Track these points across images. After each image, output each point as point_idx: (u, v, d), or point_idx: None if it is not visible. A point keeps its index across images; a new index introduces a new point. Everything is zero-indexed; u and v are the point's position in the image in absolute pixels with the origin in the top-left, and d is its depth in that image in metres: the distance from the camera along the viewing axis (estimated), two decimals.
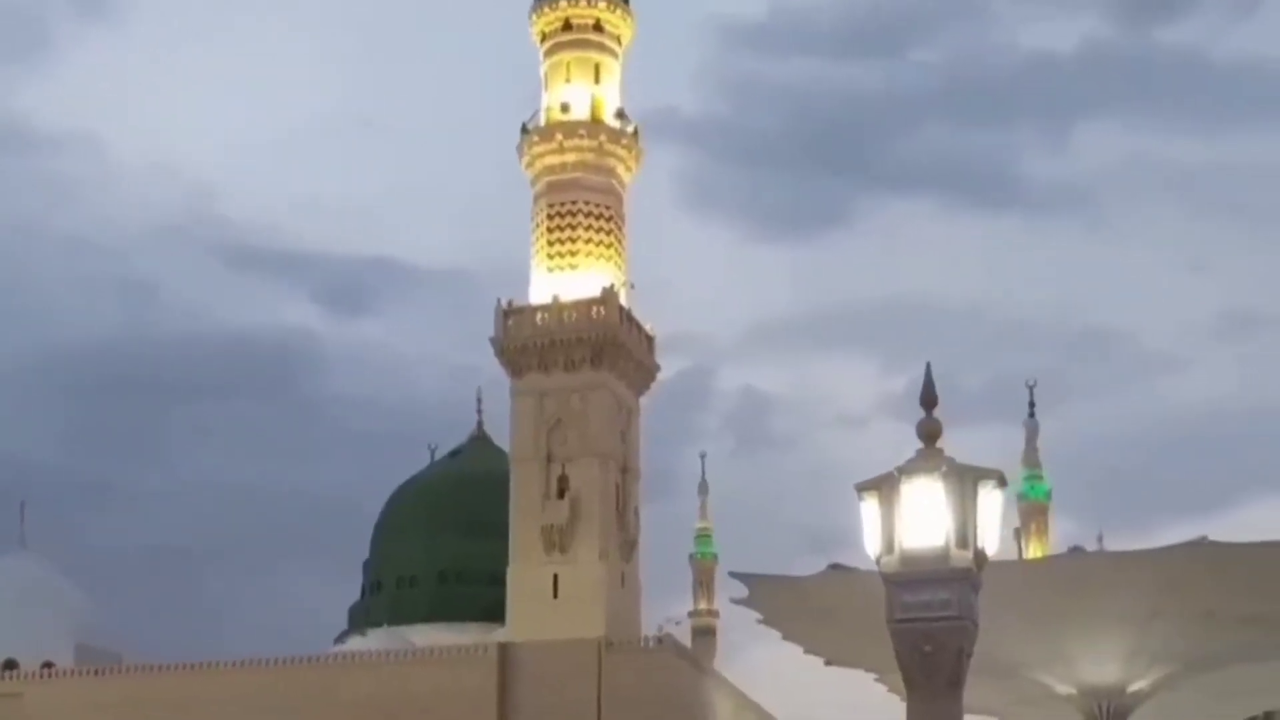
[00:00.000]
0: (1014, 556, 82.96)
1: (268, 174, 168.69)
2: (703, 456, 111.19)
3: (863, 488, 20.66)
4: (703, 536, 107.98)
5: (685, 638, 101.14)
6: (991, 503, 20.23)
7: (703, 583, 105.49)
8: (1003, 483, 20.40)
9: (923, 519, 20.08)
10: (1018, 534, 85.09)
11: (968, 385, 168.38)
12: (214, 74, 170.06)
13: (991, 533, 20.31)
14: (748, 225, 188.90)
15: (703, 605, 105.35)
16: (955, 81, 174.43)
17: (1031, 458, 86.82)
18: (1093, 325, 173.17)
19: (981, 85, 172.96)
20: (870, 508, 20.52)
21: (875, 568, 20.26)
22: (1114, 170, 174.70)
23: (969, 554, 19.97)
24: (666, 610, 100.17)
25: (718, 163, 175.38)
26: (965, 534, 19.97)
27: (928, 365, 21.15)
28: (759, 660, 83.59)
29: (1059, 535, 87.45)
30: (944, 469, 20.08)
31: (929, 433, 20.66)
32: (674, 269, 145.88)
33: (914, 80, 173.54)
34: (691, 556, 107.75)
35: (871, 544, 20.53)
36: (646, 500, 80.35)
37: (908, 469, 20.29)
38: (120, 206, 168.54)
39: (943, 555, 19.92)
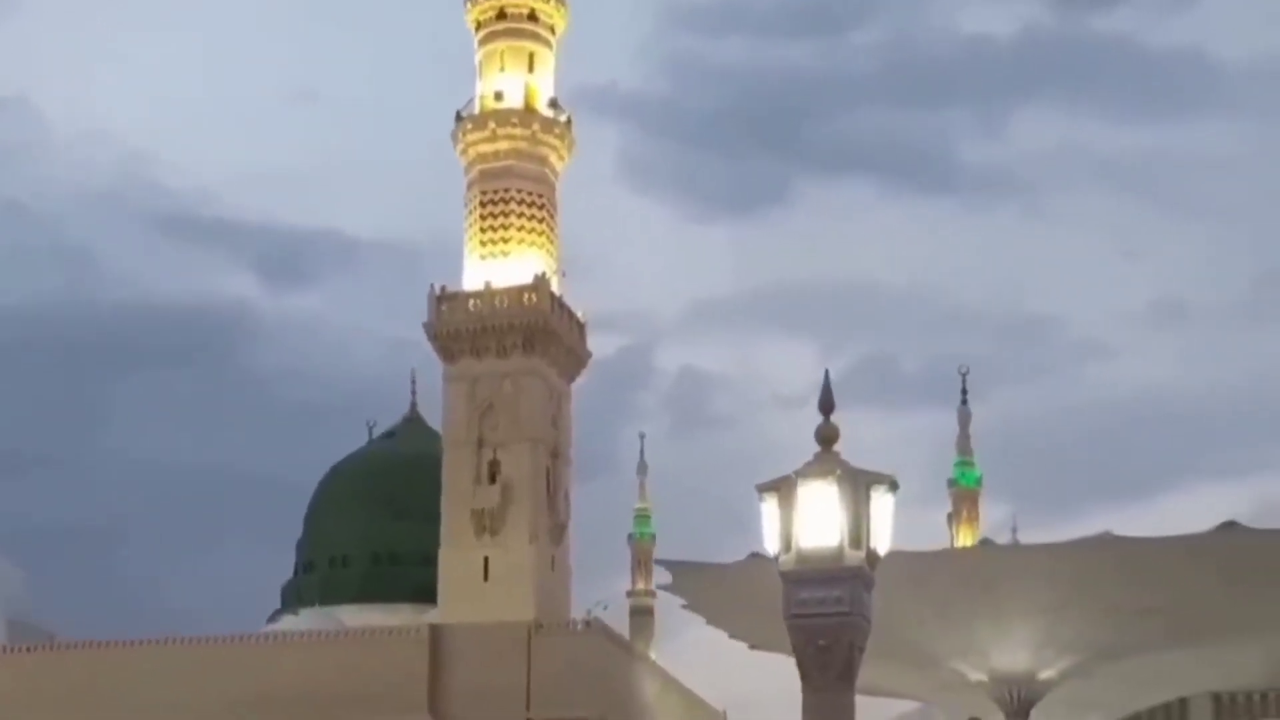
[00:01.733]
0: (945, 542, 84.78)
1: (206, 142, 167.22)
2: (642, 437, 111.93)
3: (763, 489, 21.68)
4: (641, 517, 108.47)
5: (623, 618, 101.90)
6: (884, 505, 21.24)
7: (641, 563, 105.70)
8: (894, 487, 21.38)
9: (818, 520, 21.07)
10: (950, 519, 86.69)
11: (907, 368, 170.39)
12: (151, 40, 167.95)
13: (883, 534, 21.30)
14: (687, 204, 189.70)
15: (640, 585, 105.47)
16: (894, 64, 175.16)
17: (964, 445, 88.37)
18: (1027, 310, 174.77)
19: (920, 68, 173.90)
20: (770, 508, 21.53)
21: None
22: (1050, 156, 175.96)
23: (861, 554, 20.96)
24: (605, 589, 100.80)
25: (657, 140, 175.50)
26: (858, 535, 20.98)
27: (826, 372, 22.14)
28: (697, 640, 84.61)
29: (991, 520, 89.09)
30: (838, 473, 21.10)
31: (826, 437, 21.67)
32: (613, 246, 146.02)
33: (853, 62, 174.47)
34: (630, 537, 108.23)
35: (771, 543, 21.56)
36: (585, 479, 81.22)
37: (804, 472, 21.31)
38: (55, 172, 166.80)
39: (836, 554, 20.92)
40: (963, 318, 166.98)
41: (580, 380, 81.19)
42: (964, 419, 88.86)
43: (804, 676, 21.46)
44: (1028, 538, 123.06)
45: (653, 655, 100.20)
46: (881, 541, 21.32)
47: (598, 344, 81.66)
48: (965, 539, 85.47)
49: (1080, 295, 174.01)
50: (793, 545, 21.24)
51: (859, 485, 21.12)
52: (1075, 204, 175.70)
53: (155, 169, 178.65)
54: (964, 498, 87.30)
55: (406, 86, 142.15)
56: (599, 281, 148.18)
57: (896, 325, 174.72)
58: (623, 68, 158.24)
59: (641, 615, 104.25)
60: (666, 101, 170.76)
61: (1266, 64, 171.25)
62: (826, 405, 21.90)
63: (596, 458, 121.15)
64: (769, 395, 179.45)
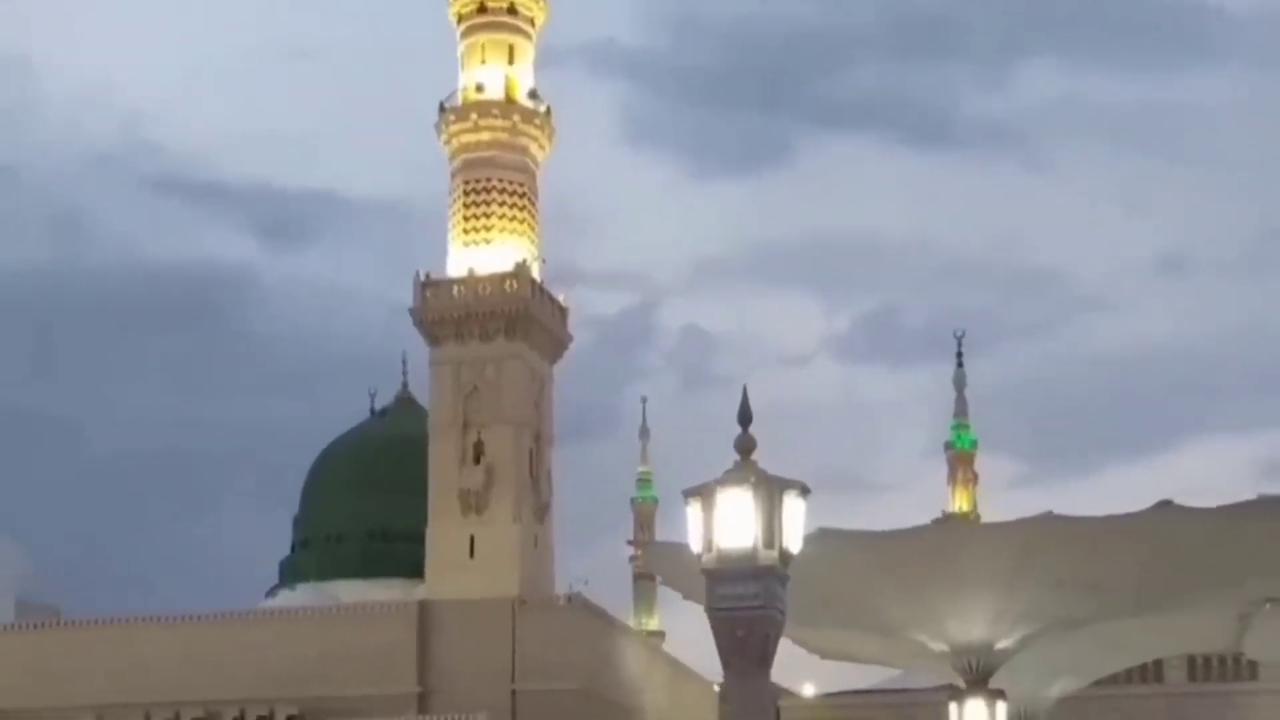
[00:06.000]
0: (943, 505, 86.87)
1: (202, 103, 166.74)
2: (644, 401, 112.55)
3: (688, 494, 23.94)
4: (643, 480, 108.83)
5: (626, 583, 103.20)
6: (795, 509, 23.47)
7: (643, 526, 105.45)
8: (805, 492, 23.60)
9: (735, 523, 23.39)
10: (948, 481, 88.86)
11: (909, 323, 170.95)
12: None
13: (794, 535, 23.55)
14: (688, 161, 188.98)
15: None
16: (895, 17, 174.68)
17: (960, 407, 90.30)
18: (1029, 264, 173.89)
19: (921, 21, 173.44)
20: (694, 512, 23.80)
21: None
22: (1052, 109, 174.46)
23: (774, 553, 23.23)
24: (606, 551, 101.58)
25: (657, 97, 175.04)
26: (771, 536, 23.26)
27: (744, 388, 24.32)
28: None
29: (990, 475, 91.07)
30: (754, 480, 23.35)
31: (744, 448, 23.92)
32: (614, 205, 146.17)
33: (854, 16, 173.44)
34: (632, 500, 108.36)
35: (695, 543, 23.82)
36: (586, 439, 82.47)
37: (724, 480, 23.56)
38: (51, 134, 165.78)
39: (751, 554, 23.20)
40: (964, 272, 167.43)
41: (581, 340, 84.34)
42: (959, 382, 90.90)
43: (725, 663, 23.73)
44: (1025, 494, 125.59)
45: (656, 620, 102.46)
46: (793, 541, 23.57)
47: (600, 303, 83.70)
48: (961, 501, 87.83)
49: (1082, 249, 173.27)
50: (713, 545, 23.54)
51: (773, 491, 23.40)
52: (1077, 157, 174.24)
53: (150, 130, 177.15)
54: (960, 460, 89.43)
55: (400, 45, 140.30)
56: (600, 240, 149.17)
57: (898, 280, 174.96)
58: (622, 24, 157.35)
59: (645, 580, 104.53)
60: (666, 58, 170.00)
61: (1270, 13, 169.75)
62: (744, 418, 24.14)
63: (598, 418, 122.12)
64: (772, 353, 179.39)
